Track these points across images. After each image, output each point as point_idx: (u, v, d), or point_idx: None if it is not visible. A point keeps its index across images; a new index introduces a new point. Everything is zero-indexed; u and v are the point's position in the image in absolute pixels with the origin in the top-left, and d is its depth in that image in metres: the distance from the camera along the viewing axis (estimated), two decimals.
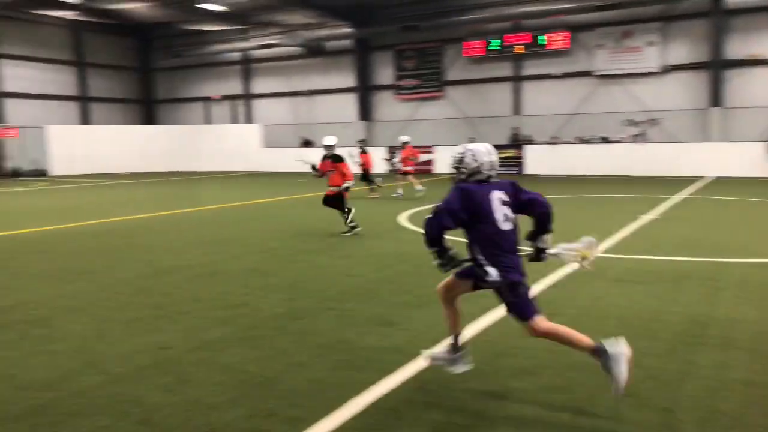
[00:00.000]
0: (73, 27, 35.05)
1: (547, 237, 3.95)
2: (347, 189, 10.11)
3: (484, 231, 3.76)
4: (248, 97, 36.34)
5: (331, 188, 10.22)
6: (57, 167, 30.08)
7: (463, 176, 3.93)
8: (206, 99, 37.35)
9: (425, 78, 30.66)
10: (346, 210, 10.12)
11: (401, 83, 31.34)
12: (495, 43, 28.22)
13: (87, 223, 12.38)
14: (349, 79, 32.62)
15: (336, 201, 10.16)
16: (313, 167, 10.42)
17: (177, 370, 4.40)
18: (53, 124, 31.19)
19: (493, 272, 3.71)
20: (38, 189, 22.34)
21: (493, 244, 3.75)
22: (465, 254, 3.84)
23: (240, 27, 34.32)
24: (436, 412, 3.68)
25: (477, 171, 3.88)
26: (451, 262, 3.80)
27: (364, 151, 17.62)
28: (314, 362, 4.52)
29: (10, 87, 32.42)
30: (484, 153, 3.92)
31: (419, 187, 16.29)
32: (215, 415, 3.69)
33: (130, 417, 3.67)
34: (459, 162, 3.95)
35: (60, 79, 35.02)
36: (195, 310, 5.93)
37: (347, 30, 30.18)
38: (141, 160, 32.07)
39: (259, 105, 36.22)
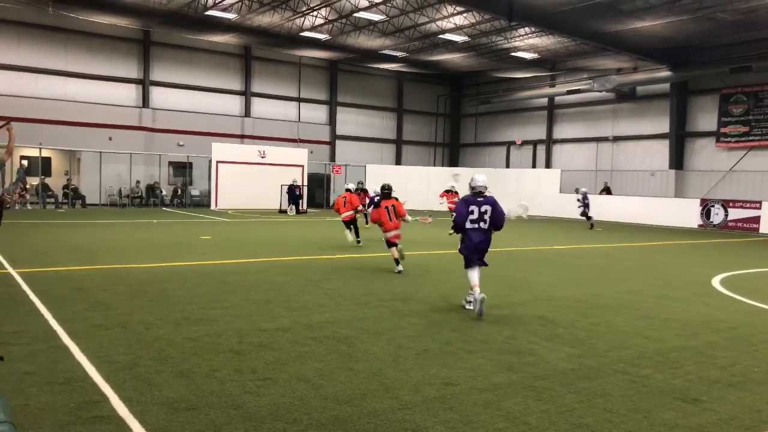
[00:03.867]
0: (396, 78, 39.33)
1: None
2: None
3: None
4: (549, 142, 36.30)
5: None
6: None
7: None
8: (509, 143, 38.34)
9: (757, 124, 27.08)
10: None
11: (726, 130, 28.17)
12: None
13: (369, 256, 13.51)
14: (660, 125, 30.50)
15: None
16: None
17: (461, 408, 4.47)
18: (371, 164, 35.21)
19: None
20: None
21: None
22: None
23: (549, 73, 34.62)
24: None
25: None
26: None
27: (456, 192, 21.13)
28: (602, 427, 4.19)
29: (341, 130, 37.67)
30: None
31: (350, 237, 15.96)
32: None
33: None
34: None
35: (381, 124, 39.63)
36: (481, 350, 6.00)
37: (665, 73, 28.28)
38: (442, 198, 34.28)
39: (559, 150, 35.91)
